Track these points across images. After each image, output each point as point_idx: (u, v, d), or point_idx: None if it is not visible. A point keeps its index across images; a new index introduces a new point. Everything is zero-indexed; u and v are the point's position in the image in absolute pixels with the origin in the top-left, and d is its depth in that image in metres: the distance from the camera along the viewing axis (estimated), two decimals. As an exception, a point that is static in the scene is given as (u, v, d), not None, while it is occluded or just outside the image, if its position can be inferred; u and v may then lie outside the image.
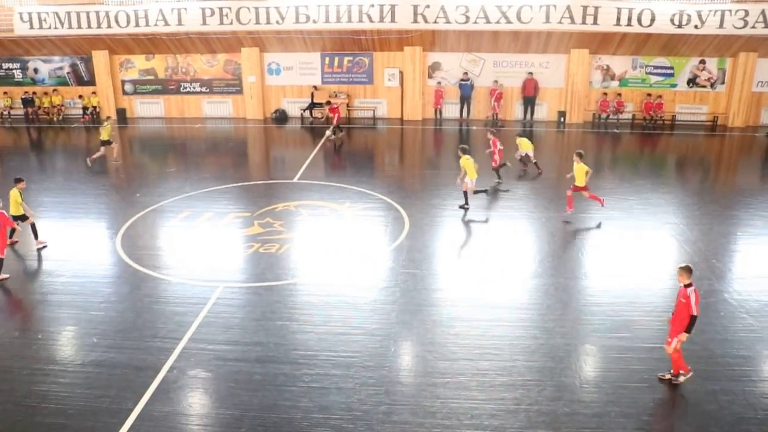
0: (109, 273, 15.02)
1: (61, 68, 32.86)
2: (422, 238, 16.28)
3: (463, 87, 29.89)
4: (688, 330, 9.91)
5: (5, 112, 33.01)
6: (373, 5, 27.96)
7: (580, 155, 17.80)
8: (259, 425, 9.54)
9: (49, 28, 30.16)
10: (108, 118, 27.52)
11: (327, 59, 30.52)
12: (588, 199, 18.11)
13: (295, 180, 21.27)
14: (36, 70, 33.01)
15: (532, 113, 30.11)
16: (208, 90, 31.88)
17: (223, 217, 18.00)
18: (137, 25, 29.63)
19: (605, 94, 29.75)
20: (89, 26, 29.91)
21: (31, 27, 30.30)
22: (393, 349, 11.48)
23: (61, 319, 13.06)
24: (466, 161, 18.09)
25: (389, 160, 25.44)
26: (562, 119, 29.77)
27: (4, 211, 14.92)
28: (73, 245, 16.69)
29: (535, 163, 22.59)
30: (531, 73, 29.55)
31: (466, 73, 29.75)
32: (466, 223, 17.43)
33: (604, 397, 10.02)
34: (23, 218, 16.34)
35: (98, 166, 24.01)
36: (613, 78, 29.99)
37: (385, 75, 30.41)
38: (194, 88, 31.91)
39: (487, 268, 14.66)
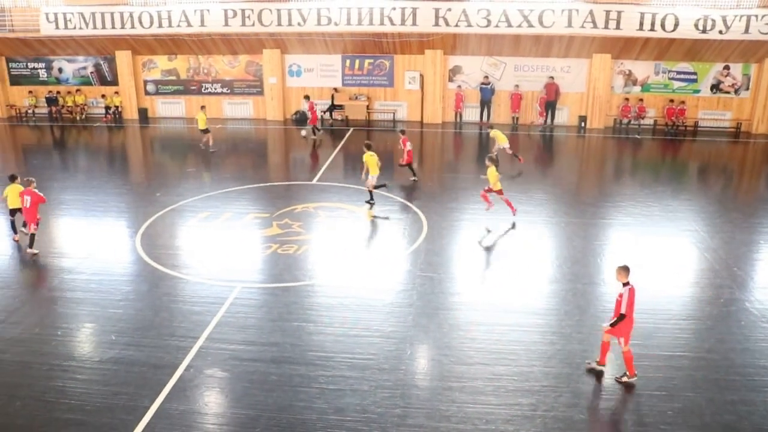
0: (128, 271, 15.15)
1: (84, 68, 33.22)
2: (440, 241, 16.25)
3: (483, 91, 29.82)
4: (612, 324, 10.26)
5: (30, 111, 33.44)
6: (394, 8, 28.00)
7: (491, 159, 17.62)
8: (274, 425, 9.56)
9: (74, 28, 30.51)
10: (203, 107, 27.91)
11: (348, 61, 30.58)
12: (502, 202, 17.87)
13: (314, 182, 21.34)
14: (60, 70, 33.40)
15: (553, 117, 29.98)
16: (229, 91, 32.07)
17: (242, 218, 18.09)
18: (160, 25, 29.89)
19: (627, 99, 29.54)
20: (113, 27, 30.23)
21: (57, 27, 30.68)
22: (409, 353, 11.46)
23: (80, 316, 13.19)
24: (370, 157, 18.47)
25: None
26: (582, 124, 29.60)
27: (36, 191, 15.76)
28: (94, 243, 16.85)
29: (515, 154, 23.11)
30: (552, 78, 29.41)
31: (486, 77, 29.67)
32: (485, 227, 17.35)
33: (621, 405, 9.93)
34: (20, 210, 16.52)
35: (119, 164, 24.28)
36: (635, 83, 29.78)
37: (405, 78, 30.40)
38: (215, 88, 32.11)
39: (504, 272, 14.60)
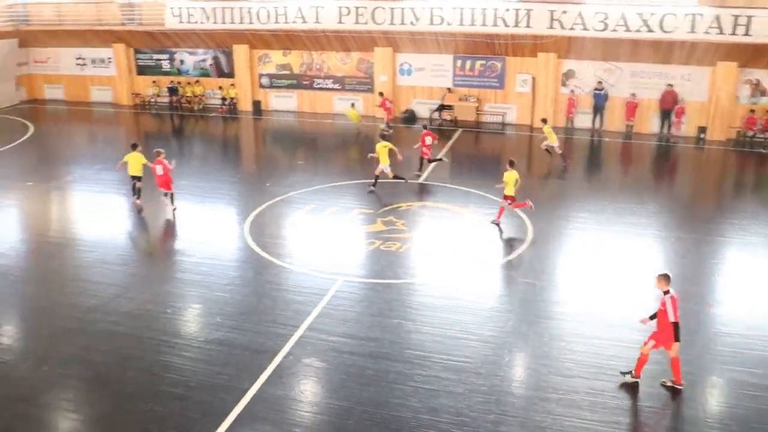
0: (236, 257, 15.69)
1: (204, 60, 34.61)
2: (545, 248, 15.90)
3: (596, 96, 28.93)
4: (676, 339, 10.05)
5: (153, 100, 35.19)
6: (508, 9, 27.61)
7: (511, 163, 17.40)
8: (367, 419, 9.64)
9: (196, 22, 31.89)
10: (353, 104, 28.95)
11: (459, 62, 30.40)
12: (515, 209, 17.73)
13: (421, 181, 21.33)
14: (182, 62, 34.95)
15: (669, 127, 28.71)
16: (340, 87, 32.58)
17: (347, 212, 18.36)
18: (277, 21, 30.74)
19: (753, 110, 27.86)
20: (232, 21, 31.36)
21: (180, 21, 32.16)
22: (507, 359, 11.29)
23: (189, 296, 13.78)
24: (382, 147, 19.48)
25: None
26: (701, 135, 28.19)
27: (165, 161, 18.21)
28: (206, 228, 17.54)
29: (562, 154, 23.51)
30: (671, 85, 28.17)
31: (600, 82, 28.78)
32: (592, 237, 16.85)
33: (726, 435, 9.41)
34: (140, 179, 18.57)
35: (232, 153, 25.13)
36: (763, 94, 28.04)
37: (516, 80, 29.91)
38: (327, 84, 32.72)
39: (609, 285, 14.10)
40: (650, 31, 26.33)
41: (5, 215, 19.20)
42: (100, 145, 28.26)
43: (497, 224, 17.36)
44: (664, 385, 10.51)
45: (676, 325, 10.02)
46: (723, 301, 13.53)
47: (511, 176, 17.15)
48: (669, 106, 28.36)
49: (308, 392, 10.51)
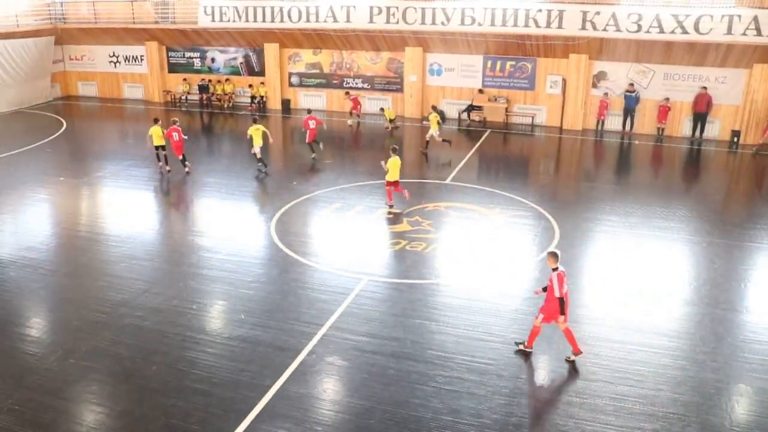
0: (261, 255, 15.78)
1: (235, 58, 34.89)
2: (571, 251, 15.72)
3: (628, 99, 28.58)
4: (561, 312, 10.91)
5: (183, 97, 35.56)
6: (540, 10, 27.40)
7: (394, 149, 18.53)
8: (388, 419, 9.63)
9: (228, 21, 32.16)
10: (382, 109, 29.38)
11: (489, 62, 30.26)
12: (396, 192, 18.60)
13: (447, 181, 21.27)
14: (213, 60, 35.28)
15: (702, 130, 28.25)
16: (369, 86, 32.62)
17: (373, 212, 18.36)
18: (308, 20, 30.88)
19: (788, 114, 27.31)
20: (263, 20, 31.56)
21: (213, 20, 32.45)
22: (530, 361, 11.19)
23: (214, 293, 13.89)
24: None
25: (544, 168, 24.82)
26: (735, 139, 27.68)
27: (179, 129, 21.85)
28: (232, 226, 17.67)
29: (445, 140, 25.10)
30: (705, 88, 27.72)
31: (632, 84, 28.42)
32: (620, 240, 16.65)
33: (757, 443, 9.23)
34: (163, 148, 22.12)
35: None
36: (800, 98, 27.44)
37: (547, 82, 29.69)
38: (356, 84, 32.77)
39: (636, 289, 13.91)
40: (685, 32, 25.94)
41: (37, 209, 19.55)
42: (130, 142, 28.62)
43: (391, 205, 18.50)
44: (567, 361, 11.20)
45: (560, 300, 10.84)
46: (753, 308, 13.27)
47: (395, 162, 18.12)
48: (702, 109, 27.91)
49: (330, 391, 10.53)
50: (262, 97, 33.91)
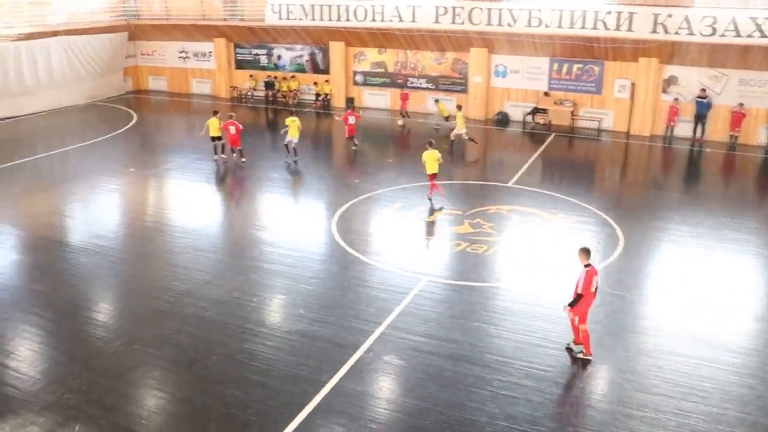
0: (321, 251, 15.92)
1: (300, 56, 35.29)
2: (636, 260, 15.35)
3: (699, 105, 27.70)
4: (570, 304, 11.00)
5: (249, 93, 36.16)
6: (609, 12, 26.81)
7: (430, 143, 19.44)
8: (443, 421, 9.59)
9: (295, 19, 32.55)
10: (436, 101, 29.66)
11: (555, 65, 29.80)
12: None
13: (510, 184, 21.01)
14: (279, 57, 35.77)
15: (779, 139, 27.16)
16: (433, 87, 32.53)
17: (434, 212, 18.30)
18: (373, 19, 31.00)
19: None
20: (330, 19, 31.84)
21: (280, 18, 32.90)
22: (589, 370, 10.98)
23: (274, 287, 14.08)
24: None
25: (610, 174, 24.28)
26: (814, 149, 26.54)
27: (237, 122, 22.89)
28: (294, 221, 17.89)
29: (471, 139, 25.39)
30: (783, 95, 26.63)
31: (704, 90, 27.54)
32: (688, 251, 16.16)
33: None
34: (219, 139, 23.11)
35: (323, 148, 25.52)
36: None
37: (615, 86, 29.04)
38: (420, 83, 32.73)
39: (704, 302, 13.46)
40: (763, 36, 24.99)
41: (108, 199, 20.19)
42: (197, 136, 29.27)
43: (430, 199, 19.05)
44: (567, 349, 11.52)
45: (579, 296, 10.91)
46: (829, 326, 12.71)
47: (430, 155, 18.77)
48: (779, 117, 26.86)
49: (386, 389, 10.55)
50: (326, 94, 34.19)
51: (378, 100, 33.80)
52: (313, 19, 32.23)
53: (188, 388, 10.51)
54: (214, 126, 23.14)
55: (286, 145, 23.39)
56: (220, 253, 15.99)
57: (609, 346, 11.62)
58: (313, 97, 34.65)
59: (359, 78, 34.02)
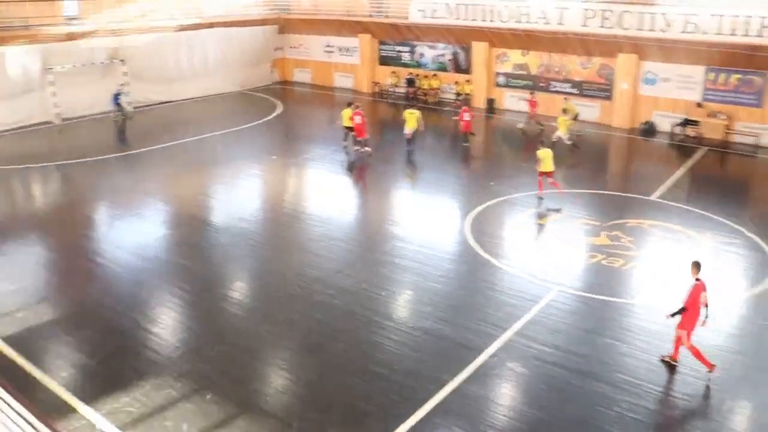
0: (452, 251, 15.86)
1: (443, 55, 35.30)
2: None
3: None
4: (673, 314, 10.78)
5: (391, 89, 36.64)
6: (778, 19, 24.88)
7: (542, 142, 19.92)
8: (564, 436, 9.30)
9: (439, 18, 32.60)
10: (566, 98, 29.42)
11: (711, 74, 28.06)
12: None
13: (653, 198, 19.91)
14: (422, 55, 35.96)
15: None
16: (577, 92, 31.56)
17: (571, 221, 17.73)
18: (518, 21, 30.47)
19: None
20: (474, 18, 31.62)
21: (424, 16, 33.07)
22: (729, 405, 10.23)
23: (403, 282, 14.18)
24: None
25: (766, 195, 22.53)
26: None
27: (362, 113, 23.96)
28: (427, 219, 17.94)
29: (575, 144, 25.06)
30: None
31: None
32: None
33: None
34: (351, 129, 23.84)
35: (460, 150, 25.45)
36: None
37: (777, 99, 26.97)
38: (563, 88, 31.86)
39: None
40: None
41: (250, 184, 21.13)
42: (337, 128, 30.01)
43: (540, 198, 19.25)
44: (662, 360, 11.19)
45: (682, 309, 10.71)
46: None
47: (546, 153, 18.94)
48: None
49: (507, 396, 10.36)
50: (467, 94, 34.02)
51: (519, 102, 33.19)
52: (457, 19, 32.13)
53: (313, 372, 10.79)
54: (346, 116, 24.10)
55: (407, 138, 24.40)
56: (352, 243, 16.31)
57: (754, 381, 10.78)
58: (454, 97, 34.56)
59: (501, 79, 33.59)
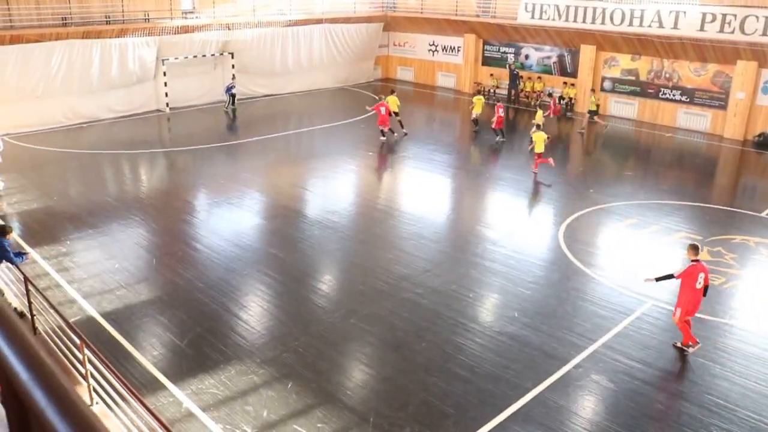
0: (544, 257, 15.55)
1: (549, 57, 34.60)
2: None
3: None
4: (658, 278, 11.58)
5: (492, 91, 36.26)
6: None
7: (538, 126, 22.61)
8: (650, 457, 8.95)
9: (548, 19, 31.93)
10: (592, 90, 28.96)
11: (838, 87, 26.26)
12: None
13: (764, 214, 18.85)
14: (527, 56, 35.39)
15: None
16: (688, 100, 30.21)
17: (671, 234, 17.01)
18: (630, 24, 29.41)
19: None
20: (584, 21, 30.77)
21: (532, 17, 32.48)
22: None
23: (492, 285, 14.03)
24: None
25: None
26: None
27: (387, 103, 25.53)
28: (521, 223, 17.70)
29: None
30: None
31: None
32: None
33: None
34: (396, 114, 25.68)
35: (557, 155, 24.90)
36: None
37: None
38: (673, 95, 30.58)
39: None
40: None
41: (345, 178, 21.47)
42: (436, 127, 30.03)
43: (535, 173, 21.53)
44: (675, 346, 11.62)
45: (670, 275, 11.34)
46: None
47: (539, 136, 21.29)
48: None
49: (590, 409, 10.07)
50: (570, 98, 33.24)
51: (625, 108, 32.14)
52: (566, 21, 31.40)
53: (393, 368, 10.86)
54: (393, 103, 26.15)
55: (474, 120, 26.76)
56: (443, 243, 16.26)
57: None
58: (557, 100, 33.80)
59: (607, 84, 32.60)
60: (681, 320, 11.32)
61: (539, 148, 21.37)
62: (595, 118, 29.14)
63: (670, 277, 11.37)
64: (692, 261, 11.30)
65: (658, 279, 11.55)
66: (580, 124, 29.84)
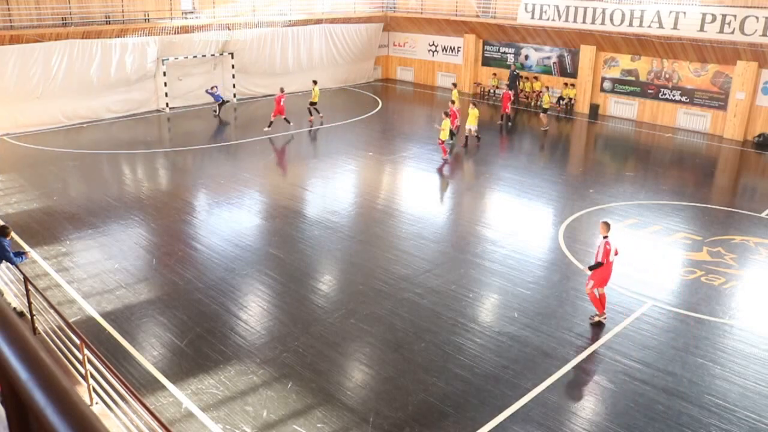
0: (544, 257, 15.57)
1: (549, 58, 34.60)
2: None
3: None
4: (590, 267, 12.08)
5: (491, 91, 36.27)
6: None
7: (446, 113, 23.35)
8: (649, 457, 8.96)
9: (548, 19, 31.94)
10: (546, 88, 29.20)
11: (838, 87, 26.27)
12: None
13: (764, 215, 18.86)
14: (527, 57, 35.39)
15: None
16: (687, 100, 30.23)
17: (670, 234, 17.04)
18: (630, 24, 29.41)
19: None
20: (583, 21, 30.77)
21: (532, 17, 32.48)
22: (833, 438, 9.60)
23: (491, 285, 14.04)
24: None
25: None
26: None
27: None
28: (521, 223, 17.69)
29: (478, 136, 25.77)
30: None
31: None
32: None
33: None
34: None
35: (559, 153, 24.93)
36: None
37: None
38: (673, 96, 30.59)
39: None
40: None
41: (344, 178, 21.46)
42: (436, 128, 29.94)
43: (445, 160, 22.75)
44: (590, 320, 12.37)
45: (598, 264, 11.91)
46: None
47: (446, 124, 22.70)
48: None
49: (589, 410, 10.08)
50: (570, 99, 33.26)
51: (624, 109, 32.16)
52: (566, 21, 31.40)
53: (393, 368, 10.86)
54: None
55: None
56: (443, 244, 16.27)
57: None
58: (556, 100, 33.83)
59: (607, 85, 32.62)
60: (591, 291, 12.20)
61: (443, 135, 22.88)
62: (541, 115, 29.13)
63: (599, 265, 11.90)
64: (604, 238, 12.00)
65: (590, 268, 12.08)
66: (580, 124, 29.83)
